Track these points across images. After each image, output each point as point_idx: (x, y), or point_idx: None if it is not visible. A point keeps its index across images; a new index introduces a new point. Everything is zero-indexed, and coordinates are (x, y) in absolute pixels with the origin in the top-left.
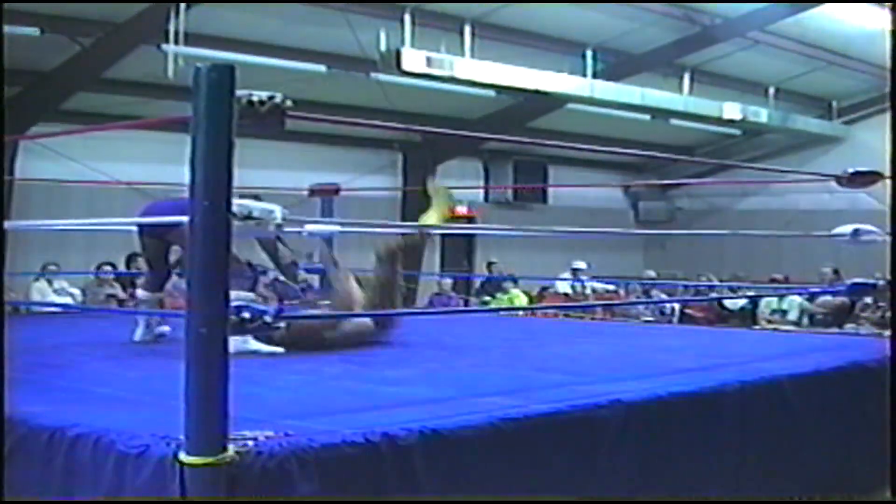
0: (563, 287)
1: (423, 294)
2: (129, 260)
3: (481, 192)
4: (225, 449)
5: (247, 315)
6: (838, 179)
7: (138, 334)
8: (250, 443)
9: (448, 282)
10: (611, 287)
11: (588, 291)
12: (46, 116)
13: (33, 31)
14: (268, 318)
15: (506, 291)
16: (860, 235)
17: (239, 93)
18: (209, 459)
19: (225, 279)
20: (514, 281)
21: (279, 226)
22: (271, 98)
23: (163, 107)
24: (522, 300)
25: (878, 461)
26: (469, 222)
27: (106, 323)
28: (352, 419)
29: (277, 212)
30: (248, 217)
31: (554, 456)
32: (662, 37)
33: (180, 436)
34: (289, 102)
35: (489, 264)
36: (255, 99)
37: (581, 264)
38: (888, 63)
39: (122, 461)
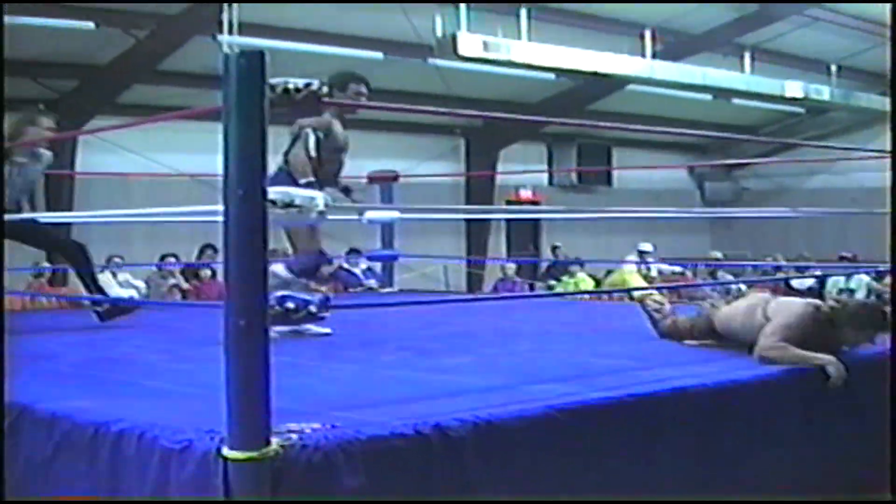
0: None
1: (488, 280)
2: (202, 251)
3: (545, 175)
4: (268, 443)
5: (291, 305)
6: None
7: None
8: (294, 436)
9: (512, 266)
10: (678, 269)
11: (654, 274)
12: (103, 110)
13: (88, 24)
14: (313, 308)
15: (572, 275)
16: None
17: (274, 80)
18: (252, 454)
19: (263, 269)
20: (580, 264)
21: (321, 213)
22: (308, 85)
23: (219, 97)
24: (588, 284)
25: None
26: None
27: (168, 315)
28: (403, 409)
29: (319, 199)
30: (290, 205)
31: (611, 445)
32: (721, 16)
33: (224, 430)
34: (325, 89)
35: (554, 248)
36: (290, 86)
37: (647, 247)
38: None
39: (166, 457)
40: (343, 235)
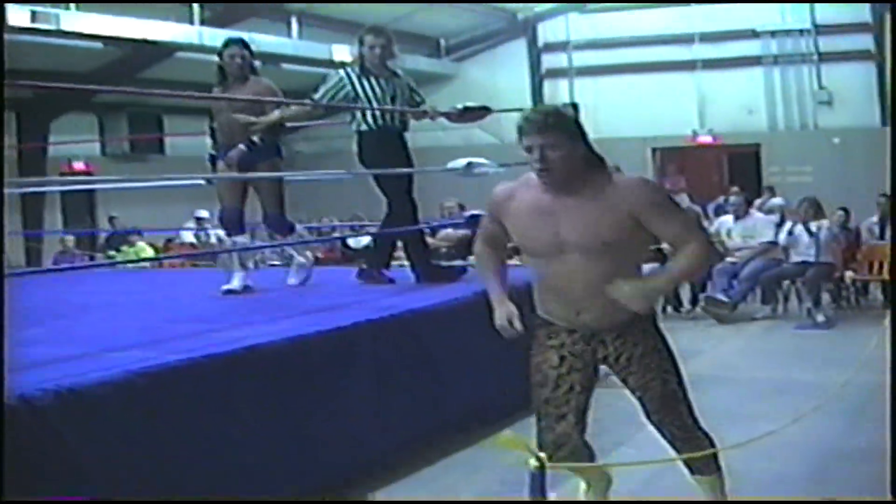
0: (189, 237)
1: (47, 254)
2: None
3: (97, 146)
4: None
5: None
6: (448, 116)
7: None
8: None
9: (72, 239)
10: None
11: (213, 240)
12: None
13: None
14: None
15: (132, 245)
16: (473, 168)
17: None
18: None
19: None
20: (139, 233)
21: None
22: None
23: None
24: (148, 252)
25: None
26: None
27: None
28: None
29: None
30: None
31: (194, 405)
32: None
33: None
34: None
35: (111, 219)
36: None
37: (204, 213)
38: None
39: None
40: None
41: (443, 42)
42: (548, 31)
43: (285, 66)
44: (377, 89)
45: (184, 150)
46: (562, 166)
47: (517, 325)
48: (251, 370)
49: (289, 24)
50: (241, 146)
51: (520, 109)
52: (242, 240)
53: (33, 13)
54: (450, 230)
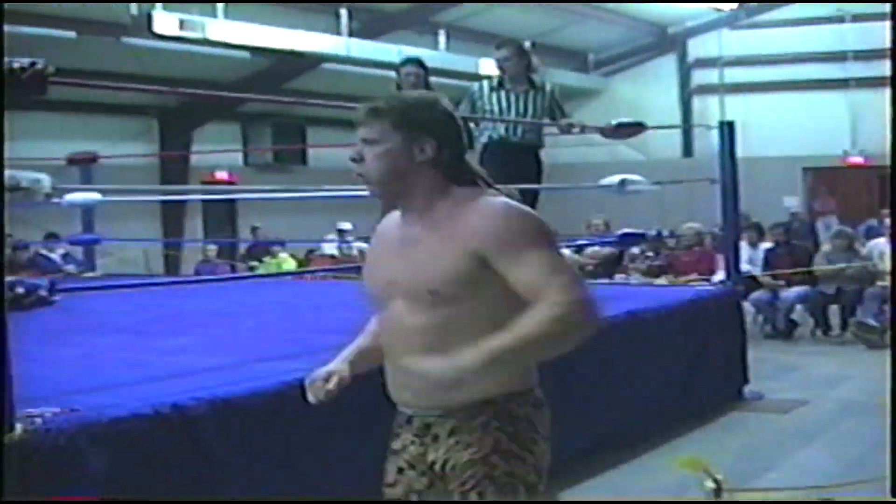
0: (330, 249)
1: (188, 262)
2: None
3: (240, 156)
4: (12, 428)
5: (21, 290)
6: (602, 131)
7: None
8: (38, 420)
9: (213, 248)
10: None
11: (355, 252)
12: None
13: None
14: (43, 293)
15: (273, 255)
16: (627, 185)
17: None
18: None
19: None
20: (282, 244)
21: (48, 195)
22: (33, 64)
23: None
24: (291, 263)
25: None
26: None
27: None
28: (138, 391)
29: (45, 181)
30: (17, 188)
31: (343, 418)
32: None
33: None
34: (51, 68)
35: (253, 229)
36: (16, 66)
37: (346, 225)
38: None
39: None
40: (38, 221)
41: (591, 57)
42: (698, 47)
43: (432, 78)
44: (503, 102)
45: (327, 161)
46: (383, 172)
47: (330, 383)
48: None
49: (436, 37)
50: None
51: (671, 126)
52: None
53: (181, 21)
54: (597, 247)
